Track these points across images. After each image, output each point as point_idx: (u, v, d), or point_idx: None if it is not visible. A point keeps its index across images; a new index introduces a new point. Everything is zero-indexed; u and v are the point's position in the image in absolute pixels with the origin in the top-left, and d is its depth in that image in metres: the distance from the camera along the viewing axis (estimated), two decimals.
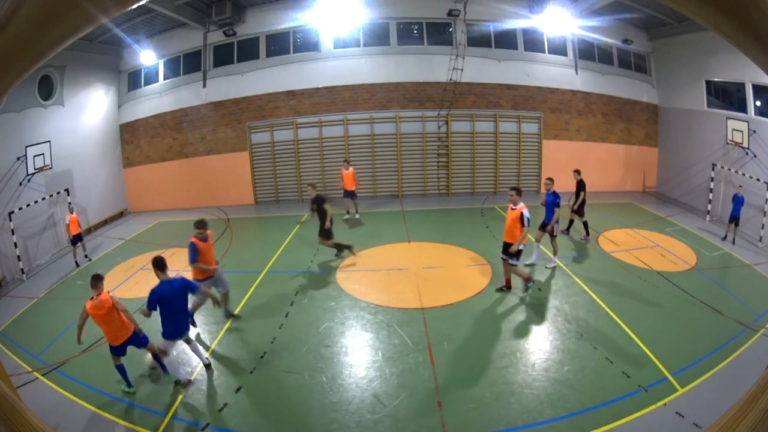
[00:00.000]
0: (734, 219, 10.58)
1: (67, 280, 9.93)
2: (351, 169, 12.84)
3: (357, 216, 13.08)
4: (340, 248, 10.06)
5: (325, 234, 9.75)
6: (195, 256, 6.78)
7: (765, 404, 1.15)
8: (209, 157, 15.41)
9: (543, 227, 9.38)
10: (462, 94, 14.65)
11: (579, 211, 10.76)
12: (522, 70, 14.94)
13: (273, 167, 15.43)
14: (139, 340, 5.67)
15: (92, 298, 5.40)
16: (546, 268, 9.17)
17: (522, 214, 7.38)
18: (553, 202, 8.97)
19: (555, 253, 9.30)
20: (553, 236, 9.18)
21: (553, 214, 9.01)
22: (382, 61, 14.76)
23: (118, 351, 5.58)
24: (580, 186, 10.69)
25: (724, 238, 10.76)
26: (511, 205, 7.66)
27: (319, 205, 9.64)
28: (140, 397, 5.66)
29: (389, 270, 9.35)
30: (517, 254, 7.70)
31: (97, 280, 5.45)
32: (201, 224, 6.98)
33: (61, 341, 7.19)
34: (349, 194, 12.93)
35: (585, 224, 10.94)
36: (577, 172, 10.92)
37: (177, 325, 5.61)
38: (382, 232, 11.74)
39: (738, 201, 10.57)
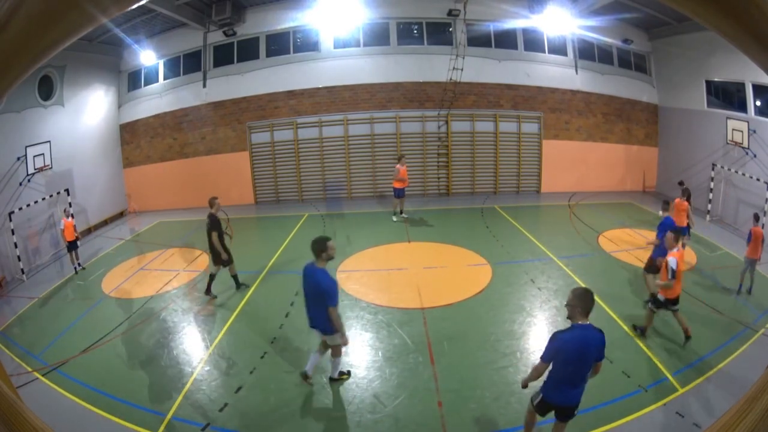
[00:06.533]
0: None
1: (68, 281, 9.92)
2: (405, 165, 12.56)
3: (404, 215, 12.83)
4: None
5: None
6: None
7: (765, 404, 1.15)
8: (209, 157, 15.41)
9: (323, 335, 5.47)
10: (462, 94, 14.65)
11: None
12: (522, 70, 14.94)
13: (273, 167, 15.43)
14: None
15: None
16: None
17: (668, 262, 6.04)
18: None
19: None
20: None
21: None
22: (381, 61, 14.76)
23: None
24: None
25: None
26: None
27: None
28: (140, 397, 5.66)
29: (389, 270, 9.35)
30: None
31: None
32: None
33: (61, 341, 7.18)
34: (402, 192, 12.60)
35: None
36: None
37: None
38: (382, 232, 11.74)
39: (662, 226, 7.39)
